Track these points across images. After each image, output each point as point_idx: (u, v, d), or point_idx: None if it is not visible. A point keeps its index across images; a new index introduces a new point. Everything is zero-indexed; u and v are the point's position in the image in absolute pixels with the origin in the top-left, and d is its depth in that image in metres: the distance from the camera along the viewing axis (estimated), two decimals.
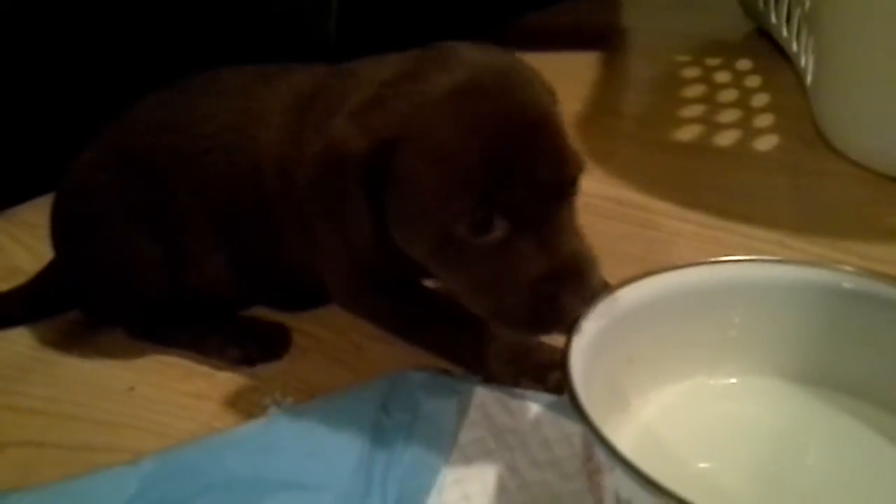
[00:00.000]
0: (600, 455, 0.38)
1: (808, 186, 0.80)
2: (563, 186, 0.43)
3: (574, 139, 0.90)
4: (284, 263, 0.56)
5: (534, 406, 0.51)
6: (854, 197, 0.77)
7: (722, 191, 0.78)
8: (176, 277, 0.57)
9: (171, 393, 0.56)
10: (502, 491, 0.47)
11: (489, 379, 0.53)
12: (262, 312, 0.62)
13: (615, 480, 0.38)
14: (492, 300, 0.43)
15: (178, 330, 0.59)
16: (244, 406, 0.54)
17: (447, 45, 0.46)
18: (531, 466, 0.49)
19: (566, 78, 1.07)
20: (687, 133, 0.91)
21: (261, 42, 0.85)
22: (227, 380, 0.57)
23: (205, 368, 0.58)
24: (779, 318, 0.48)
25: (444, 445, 0.49)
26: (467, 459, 0.49)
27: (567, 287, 0.41)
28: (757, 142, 0.88)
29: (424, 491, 0.46)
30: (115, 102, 0.60)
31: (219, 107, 0.56)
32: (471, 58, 0.44)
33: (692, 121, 0.94)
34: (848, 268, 0.49)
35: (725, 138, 0.89)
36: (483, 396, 0.52)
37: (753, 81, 1.02)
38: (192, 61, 0.62)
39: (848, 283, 0.48)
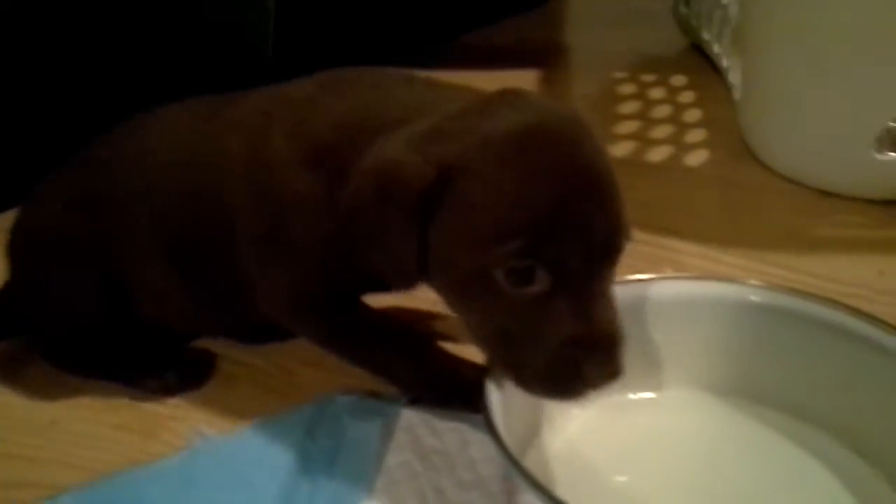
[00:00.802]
0: (512, 476, 0.38)
1: (736, 200, 0.81)
2: (612, 251, 0.41)
3: None
4: (246, 294, 0.54)
5: (462, 426, 0.51)
6: (781, 209, 0.78)
7: (653, 206, 0.79)
8: (129, 313, 0.56)
9: (95, 425, 0.55)
10: None
11: (423, 400, 0.53)
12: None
13: (530, 500, 0.38)
14: (512, 351, 0.41)
15: (99, 361, 0.58)
16: (169, 437, 0.53)
17: (516, 89, 0.44)
18: (457, 487, 0.49)
19: None
20: (621, 149, 0.92)
21: (198, 60, 0.85)
22: (152, 411, 0.56)
23: (129, 400, 0.57)
24: (696, 332, 0.50)
25: (370, 470, 0.49)
26: (393, 483, 0.49)
27: (593, 357, 0.39)
28: (688, 157, 0.89)
29: None
30: (73, 119, 0.58)
31: (174, 139, 0.55)
32: (539, 103, 0.43)
33: (627, 137, 0.95)
34: (754, 281, 0.50)
35: (658, 154, 0.91)
36: (410, 419, 0.53)
37: (687, 97, 1.04)
38: (130, 80, 0.62)
39: (755, 296, 0.49)
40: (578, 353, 0.39)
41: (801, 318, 0.48)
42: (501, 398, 0.43)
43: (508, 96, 0.43)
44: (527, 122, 0.41)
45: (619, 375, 0.40)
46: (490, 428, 0.40)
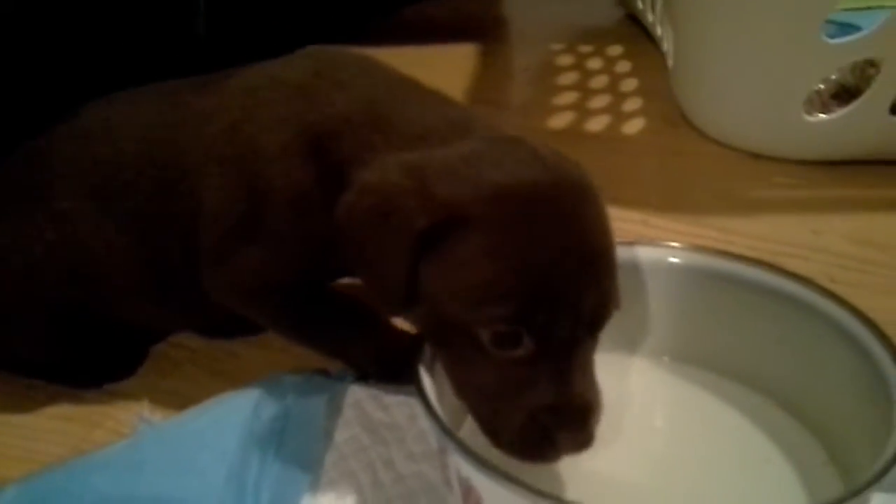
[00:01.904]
0: (438, 435, 0.39)
1: (672, 166, 0.83)
2: (599, 323, 0.41)
3: None
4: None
5: (411, 400, 0.52)
6: (715, 174, 0.80)
7: (592, 175, 0.80)
8: (87, 314, 0.55)
9: (37, 417, 0.54)
10: (376, 486, 0.48)
11: (374, 376, 0.53)
12: None
13: (456, 459, 0.39)
14: (485, 408, 0.41)
15: (42, 363, 0.57)
16: (113, 425, 0.53)
17: (519, 137, 0.43)
18: (407, 459, 0.49)
19: (446, 70, 1.09)
20: (561, 120, 0.93)
21: (126, 38, 0.82)
22: (96, 400, 0.55)
23: (71, 390, 0.56)
24: (628, 297, 0.50)
25: (318, 447, 0.49)
26: (343, 458, 0.50)
27: (566, 427, 0.39)
28: (625, 126, 0.90)
29: (297, 495, 0.46)
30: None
31: (137, 125, 0.53)
32: (553, 160, 0.42)
33: (566, 108, 0.96)
34: (676, 244, 0.51)
35: (596, 124, 0.92)
36: (357, 394, 0.53)
37: (623, 67, 1.05)
38: (55, 61, 0.59)
39: (676, 258, 0.51)
40: (552, 421, 0.39)
41: (727, 280, 0.49)
42: (436, 368, 0.44)
43: (524, 145, 0.42)
44: (536, 183, 0.40)
45: (590, 445, 0.40)
46: (418, 388, 0.41)
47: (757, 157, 0.81)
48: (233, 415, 0.50)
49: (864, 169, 0.77)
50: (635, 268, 0.51)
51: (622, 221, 0.72)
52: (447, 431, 0.39)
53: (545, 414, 0.39)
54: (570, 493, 0.43)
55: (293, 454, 0.49)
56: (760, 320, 0.49)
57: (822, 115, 0.78)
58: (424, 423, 0.50)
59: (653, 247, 0.51)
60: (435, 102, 0.47)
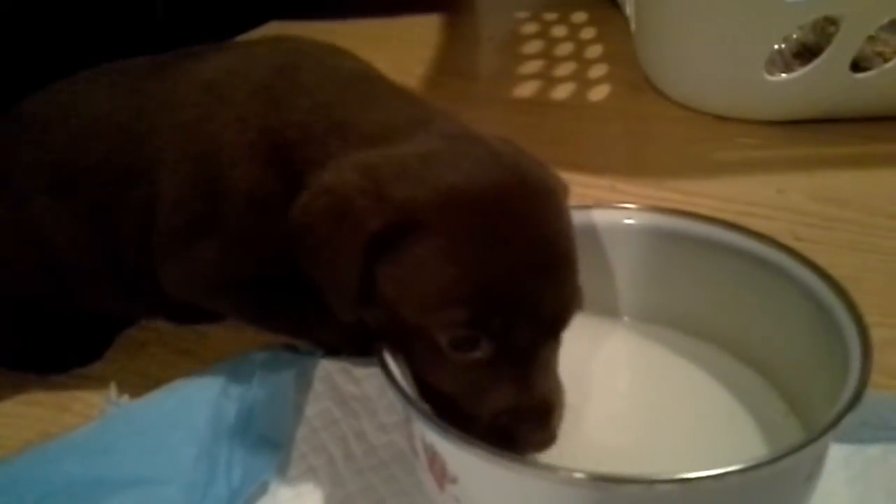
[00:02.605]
0: (402, 404, 0.39)
1: (637, 131, 0.83)
2: (560, 325, 0.41)
3: None
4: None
5: (381, 372, 0.52)
6: (679, 137, 0.81)
7: (559, 143, 0.81)
8: (58, 298, 0.54)
9: (4, 403, 0.54)
10: (349, 458, 0.48)
11: (343, 353, 0.53)
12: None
13: (420, 427, 0.39)
14: (447, 409, 0.41)
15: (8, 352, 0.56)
16: (81, 408, 0.53)
17: (478, 136, 0.42)
18: (378, 430, 0.49)
19: (411, 41, 1.08)
20: (526, 89, 0.93)
21: (84, 17, 0.81)
22: (62, 384, 0.55)
23: (38, 375, 0.56)
24: (590, 258, 0.50)
25: (288, 421, 0.49)
26: (314, 431, 0.50)
27: (527, 428, 0.39)
28: (591, 92, 0.91)
29: (268, 470, 0.47)
30: None
31: (94, 111, 0.51)
32: (512, 157, 0.41)
33: (532, 77, 0.96)
34: (630, 205, 0.52)
35: (562, 91, 0.92)
36: (328, 368, 0.53)
37: (588, 33, 1.06)
38: (13, 42, 0.58)
39: (629, 219, 0.51)
40: (514, 422, 0.39)
41: (684, 239, 0.49)
42: None
43: (483, 144, 0.42)
44: (494, 184, 0.39)
45: (552, 443, 0.40)
46: (383, 366, 0.41)
47: (721, 119, 0.81)
48: (202, 393, 0.50)
49: (825, 127, 0.78)
50: (592, 231, 0.51)
51: (589, 188, 0.73)
52: (410, 400, 0.39)
53: (507, 416, 0.39)
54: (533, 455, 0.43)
55: (264, 430, 0.49)
56: (719, 277, 0.49)
57: (783, 75, 0.78)
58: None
59: (608, 209, 0.51)
60: (393, 99, 0.46)
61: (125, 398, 0.52)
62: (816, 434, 0.36)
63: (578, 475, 0.34)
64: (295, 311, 0.51)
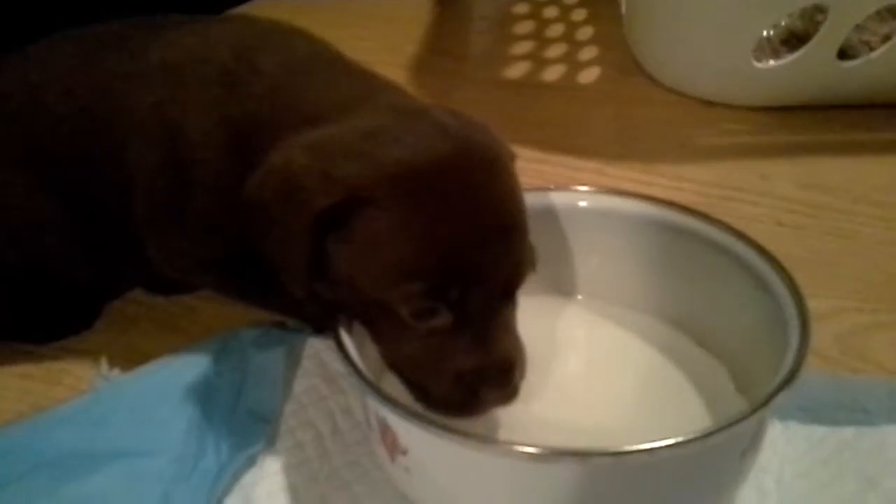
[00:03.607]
0: (355, 379, 0.41)
1: (626, 115, 0.84)
2: (515, 287, 0.42)
3: (410, 82, 0.92)
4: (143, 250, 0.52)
5: None
6: (667, 121, 0.81)
7: (547, 125, 0.81)
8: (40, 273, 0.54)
9: None
10: (335, 433, 0.49)
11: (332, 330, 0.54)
12: None
13: (372, 401, 0.41)
14: (414, 376, 0.42)
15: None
16: (72, 382, 0.53)
17: (423, 108, 0.43)
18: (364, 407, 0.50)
19: (403, 20, 1.08)
20: (517, 70, 0.93)
21: None
22: (54, 357, 0.55)
23: (29, 347, 0.56)
24: (547, 239, 0.51)
25: (276, 397, 0.50)
26: (302, 407, 0.51)
27: (490, 384, 0.41)
28: (581, 75, 0.91)
29: (256, 444, 0.48)
30: None
31: (60, 87, 0.51)
32: (455, 129, 0.41)
33: (522, 58, 0.96)
34: (585, 188, 0.53)
35: (552, 73, 0.92)
36: (316, 346, 0.54)
37: (579, 14, 1.05)
38: None
39: (583, 201, 0.52)
40: (477, 380, 0.40)
41: (634, 220, 0.51)
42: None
43: (429, 116, 0.42)
44: (440, 157, 0.40)
45: (515, 398, 0.41)
46: (337, 342, 0.42)
47: (709, 104, 0.82)
48: (192, 368, 0.51)
49: (811, 114, 0.79)
50: (549, 213, 0.52)
51: (577, 171, 0.74)
52: (362, 375, 0.40)
53: (470, 375, 0.40)
54: (482, 430, 0.44)
55: (252, 405, 0.49)
56: (669, 257, 0.50)
57: (771, 62, 0.79)
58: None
59: (563, 191, 0.53)
60: (341, 77, 0.47)
61: (115, 372, 0.53)
62: (748, 412, 0.37)
63: (516, 448, 0.36)
64: (279, 290, 0.52)
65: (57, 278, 0.55)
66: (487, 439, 0.38)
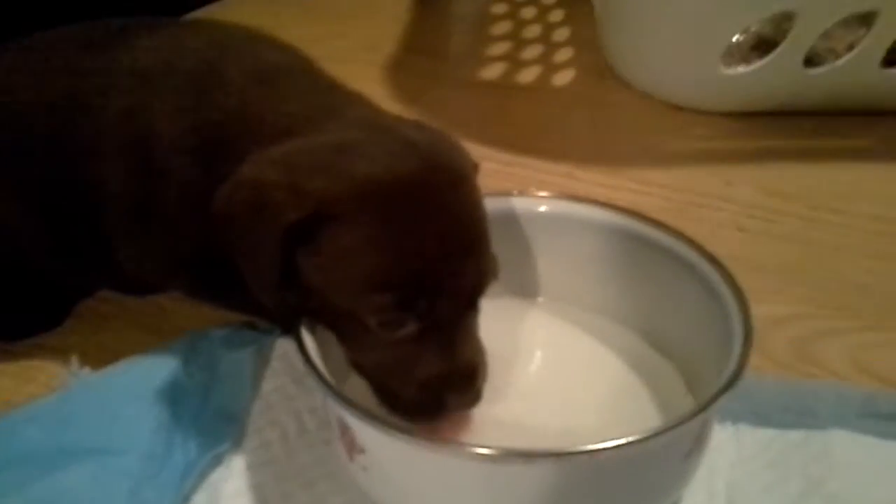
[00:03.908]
0: (315, 381, 0.42)
1: (598, 118, 0.85)
2: (478, 295, 0.43)
3: (386, 81, 0.93)
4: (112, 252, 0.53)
5: None
6: (637, 125, 0.83)
7: (520, 127, 0.83)
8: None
9: None
10: (302, 433, 0.50)
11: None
12: None
13: (331, 401, 0.42)
14: (381, 381, 0.44)
15: None
16: (45, 379, 0.54)
17: (391, 124, 0.44)
18: None
19: (383, 18, 1.09)
20: (493, 71, 0.95)
21: None
22: (26, 353, 0.56)
23: (3, 344, 0.57)
24: (508, 243, 0.52)
25: (244, 397, 0.51)
26: (269, 407, 0.52)
27: (454, 389, 0.42)
28: (556, 77, 0.92)
29: (224, 443, 0.49)
30: None
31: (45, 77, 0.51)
32: (421, 143, 0.43)
33: (498, 59, 0.97)
34: (544, 193, 0.54)
35: (527, 75, 0.93)
36: (285, 346, 0.55)
37: (556, 16, 1.07)
38: None
39: (542, 206, 0.54)
40: (441, 386, 0.42)
41: (589, 226, 0.53)
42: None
43: (397, 131, 0.43)
44: (407, 172, 0.41)
45: (478, 402, 0.43)
46: (298, 343, 0.43)
47: (679, 109, 0.84)
48: (161, 367, 0.52)
49: (777, 120, 0.81)
50: (509, 217, 0.53)
51: (548, 174, 0.75)
52: (322, 377, 0.41)
53: (435, 381, 0.42)
54: (445, 430, 0.45)
55: (221, 404, 0.50)
56: (627, 263, 0.52)
57: (739, 68, 0.81)
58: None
59: (525, 197, 0.54)
60: (309, 90, 0.48)
61: (86, 370, 0.54)
62: (687, 416, 0.39)
63: (463, 449, 0.38)
64: (246, 291, 0.53)
65: (27, 277, 0.56)
66: (437, 441, 0.39)
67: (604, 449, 0.36)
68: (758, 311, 0.58)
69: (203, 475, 0.48)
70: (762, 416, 0.50)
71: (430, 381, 0.42)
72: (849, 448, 0.48)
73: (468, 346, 0.43)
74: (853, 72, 0.78)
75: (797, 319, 0.59)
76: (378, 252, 0.40)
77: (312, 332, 0.44)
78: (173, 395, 0.50)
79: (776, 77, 0.79)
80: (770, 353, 0.56)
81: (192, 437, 0.48)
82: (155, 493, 0.46)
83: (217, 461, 0.48)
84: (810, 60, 0.79)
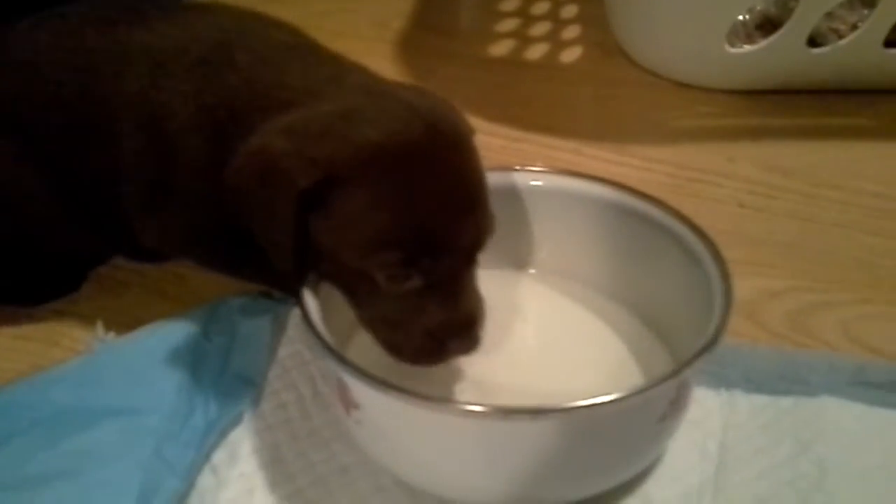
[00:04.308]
0: (315, 341, 0.44)
1: (604, 95, 0.86)
2: (477, 251, 0.46)
3: (396, 58, 0.94)
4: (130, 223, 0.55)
5: None
6: (643, 103, 0.84)
7: (530, 104, 0.84)
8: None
9: None
10: (316, 395, 0.53)
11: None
12: None
13: (329, 359, 0.44)
14: (386, 334, 0.46)
15: None
16: (69, 343, 0.57)
17: (393, 90, 0.47)
18: None
19: None
20: (501, 48, 0.95)
21: None
22: (51, 319, 0.59)
23: (28, 310, 0.59)
24: (503, 216, 0.52)
25: (261, 361, 0.54)
26: (286, 371, 0.54)
27: (456, 335, 0.45)
28: (563, 54, 0.93)
29: (242, 404, 0.51)
30: None
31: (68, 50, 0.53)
32: (423, 108, 0.45)
33: (507, 35, 0.98)
34: (538, 167, 0.56)
35: (535, 52, 0.94)
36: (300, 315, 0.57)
37: None
38: None
39: (535, 180, 0.56)
40: (443, 334, 0.45)
41: (582, 199, 0.55)
42: (324, 290, 0.48)
43: (399, 97, 0.46)
44: (410, 136, 0.43)
45: (477, 347, 0.46)
46: (301, 307, 0.46)
47: (684, 86, 0.85)
48: (183, 333, 0.54)
49: (780, 98, 0.82)
50: (506, 190, 0.55)
51: (555, 150, 0.77)
52: (321, 337, 0.44)
53: (439, 329, 0.45)
54: (436, 391, 0.48)
55: (240, 367, 0.53)
56: (613, 235, 0.54)
57: (744, 47, 0.82)
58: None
59: (520, 171, 0.56)
60: (310, 62, 0.50)
61: (111, 335, 0.56)
62: (658, 379, 0.41)
63: (447, 404, 0.42)
64: (265, 263, 0.55)
65: (43, 244, 0.58)
66: (424, 396, 0.41)
67: (580, 407, 0.39)
68: (755, 283, 0.61)
69: (223, 434, 0.50)
70: (755, 384, 0.52)
71: (433, 329, 0.45)
72: (839, 414, 0.50)
73: (468, 296, 0.46)
74: (856, 52, 0.79)
75: (793, 292, 0.61)
76: (385, 213, 0.43)
77: (315, 295, 0.47)
78: (194, 359, 0.53)
79: (780, 56, 0.80)
80: (765, 324, 0.58)
81: (212, 399, 0.51)
82: (177, 450, 0.48)
83: (236, 421, 0.51)
84: (814, 40, 0.80)
